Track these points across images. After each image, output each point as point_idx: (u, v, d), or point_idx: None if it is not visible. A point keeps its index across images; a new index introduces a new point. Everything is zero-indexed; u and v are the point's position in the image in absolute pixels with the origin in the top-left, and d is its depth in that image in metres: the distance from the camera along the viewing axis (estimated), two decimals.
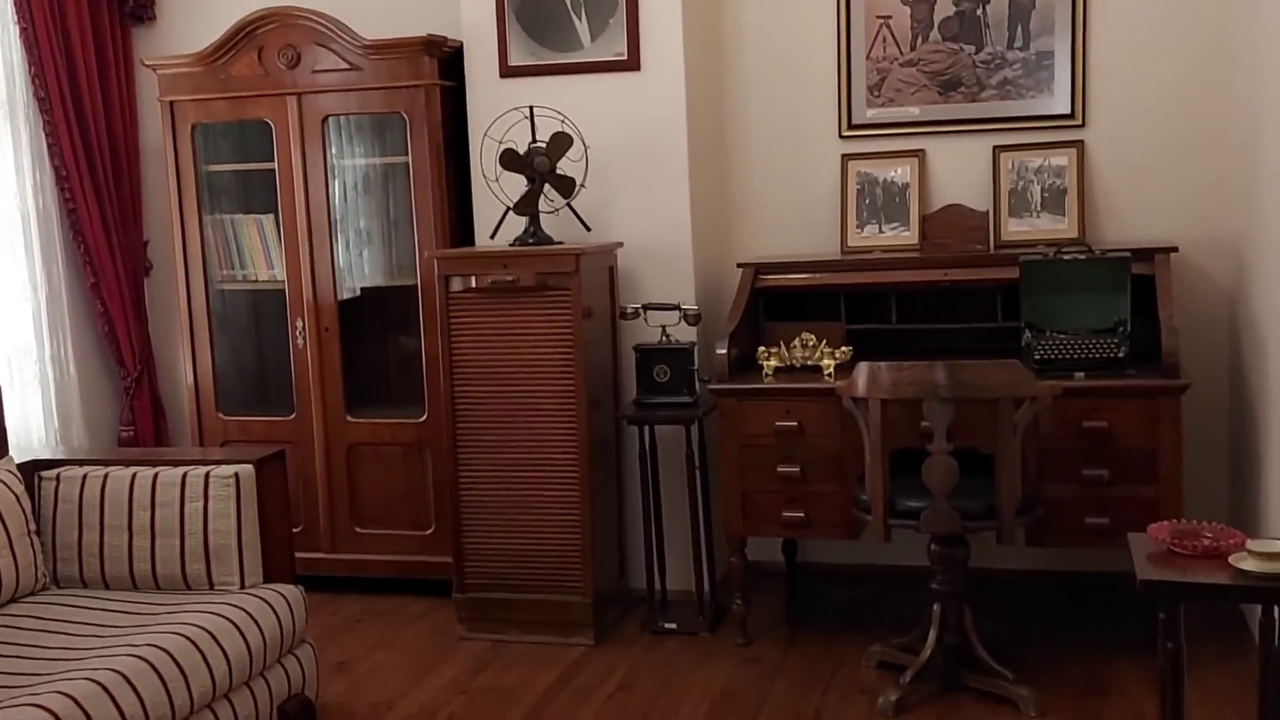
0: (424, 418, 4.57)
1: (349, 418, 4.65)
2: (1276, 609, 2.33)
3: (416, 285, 4.56)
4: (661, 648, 4.10)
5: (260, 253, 4.77)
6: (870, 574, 4.60)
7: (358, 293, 4.75)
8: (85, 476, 3.52)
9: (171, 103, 4.66)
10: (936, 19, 4.40)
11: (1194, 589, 2.35)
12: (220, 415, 4.79)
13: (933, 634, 3.59)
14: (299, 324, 4.65)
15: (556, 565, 4.13)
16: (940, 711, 3.51)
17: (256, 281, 4.80)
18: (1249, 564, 2.29)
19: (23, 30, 4.57)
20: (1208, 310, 4.22)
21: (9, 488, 3.41)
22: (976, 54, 4.37)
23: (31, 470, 3.57)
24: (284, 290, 4.68)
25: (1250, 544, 2.33)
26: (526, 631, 4.16)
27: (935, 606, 3.61)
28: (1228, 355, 4.21)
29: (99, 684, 2.76)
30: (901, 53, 4.44)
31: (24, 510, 3.43)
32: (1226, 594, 2.31)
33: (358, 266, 4.78)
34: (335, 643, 4.17)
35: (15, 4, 4.54)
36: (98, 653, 2.94)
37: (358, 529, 4.68)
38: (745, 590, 4.08)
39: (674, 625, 4.22)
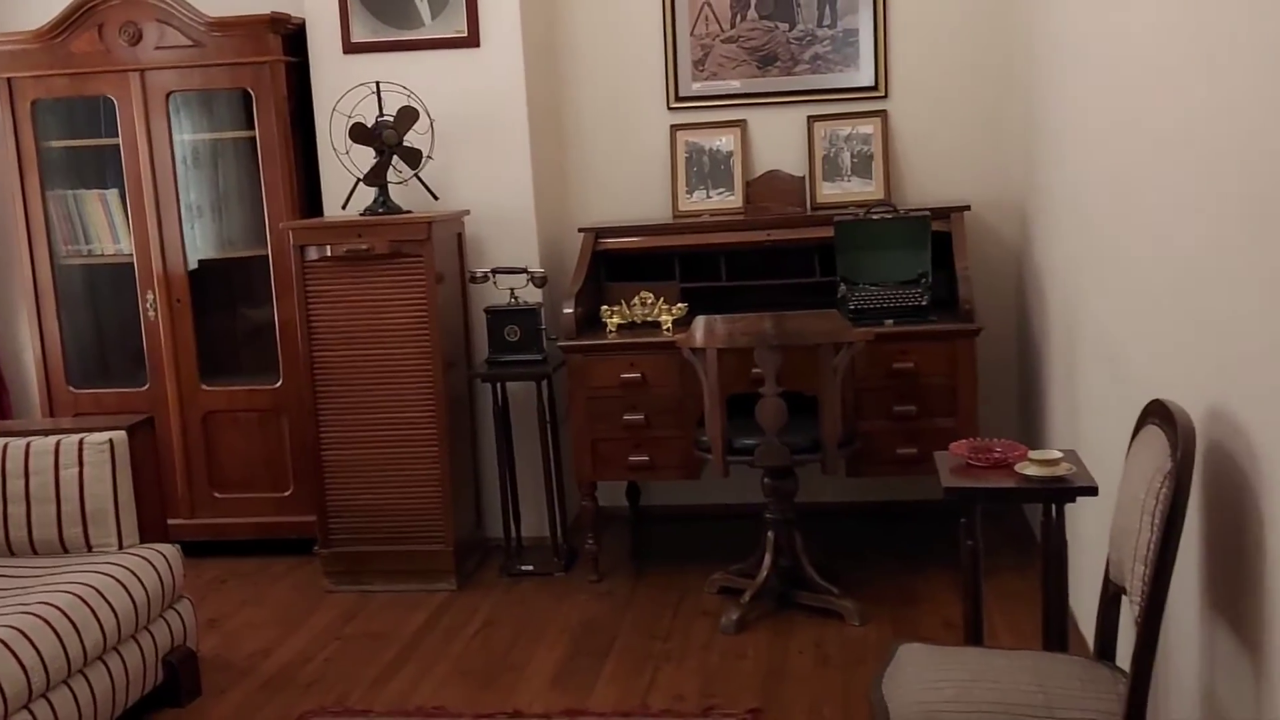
0: (279, 384, 4.73)
1: (204, 386, 4.78)
2: (1054, 508, 2.77)
3: (266, 255, 4.70)
4: (520, 589, 4.40)
5: (105, 227, 4.83)
6: (707, 513, 4.99)
7: (206, 265, 4.86)
8: None
9: (9, 79, 4.66)
10: None
11: (988, 493, 2.78)
12: (70, 389, 4.84)
13: (768, 558, 4.00)
14: (149, 296, 4.74)
15: (418, 517, 4.38)
16: (776, 626, 3.91)
17: (103, 256, 4.86)
18: (1031, 470, 2.73)
19: None
20: (997, 262, 4.73)
21: None
22: (790, 31, 4.76)
23: None
24: (132, 263, 4.76)
25: (1032, 454, 2.78)
26: (392, 581, 4.40)
27: (769, 534, 4.01)
28: (1015, 301, 4.74)
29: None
30: (722, 30, 4.80)
31: None
32: (1014, 496, 2.74)
33: (204, 239, 4.89)
34: (204, 603, 4.31)
35: None
36: None
37: (216, 494, 4.82)
38: (596, 532, 4.41)
39: (531, 567, 4.53)
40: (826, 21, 4.73)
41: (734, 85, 4.81)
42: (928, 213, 4.35)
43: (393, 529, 4.39)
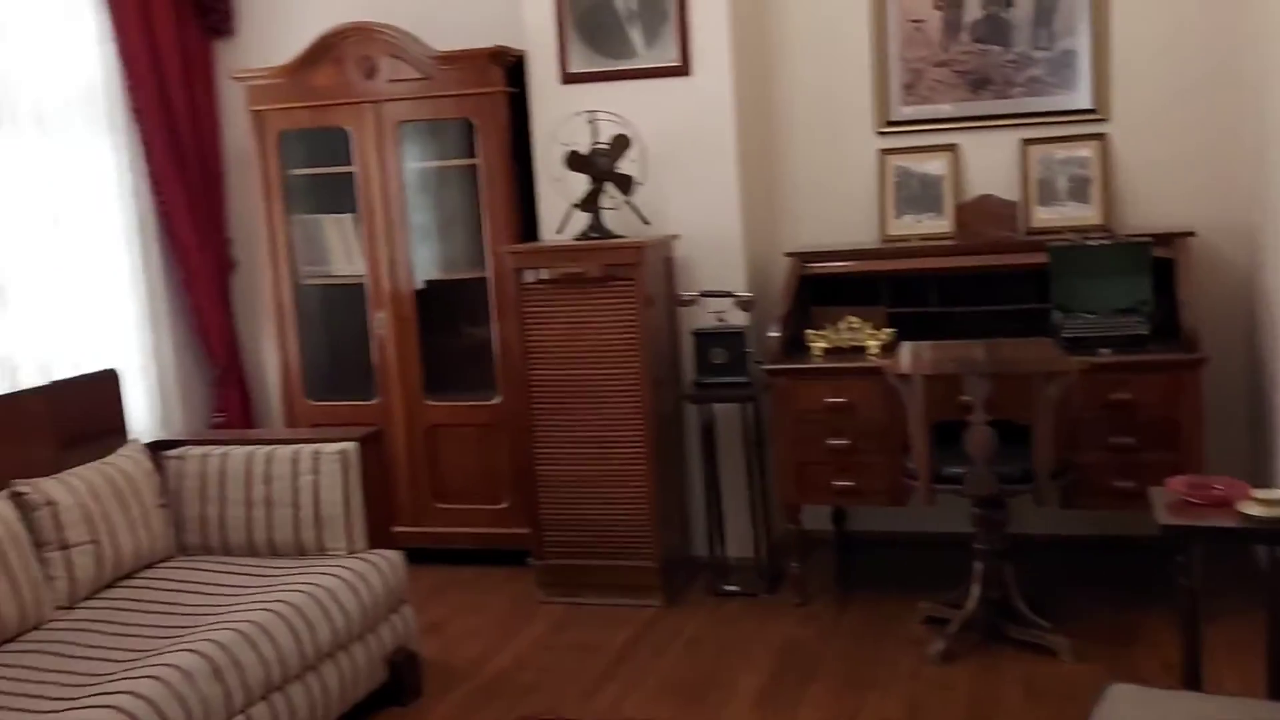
0: (498, 400, 4.93)
1: (428, 401, 5.03)
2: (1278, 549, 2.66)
3: (486, 278, 4.92)
4: (725, 608, 4.47)
5: (341, 250, 5.15)
6: (912, 540, 4.94)
7: (431, 285, 5.11)
8: (206, 455, 3.90)
9: (258, 112, 5.03)
10: (966, 21, 4.72)
11: (1206, 532, 2.69)
12: (308, 401, 5.18)
13: (976, 589, 3.94)
14: (379, 315, 5.03)
15: (626, 534, 4.49)
16: (983, 659, 3.86)
17: (338, 276, 5.18)
18: (1254, 510, 2.62)
19: (117, 48, 4.93)
20: (1225, 290, 4.53)
21: (140, 465, 3.80)
22: (1005, 54, 4.69)
23: (156, 450, 3.95)
24: (363, 284, 5.06)
25: (1255, 492, 2.67)
26: (602, 594, 4.53)
27: (977, 564, 3.95)
28: (1245, 331, 4.53)
29: (242, 634, 3.15)
30: (934, 54, 4.77)
31: (153, 486, 3.82)
32: (1234, 536, 2.64)
33: (430, 261, 5.15)
34: (425, 608, 4.52)
35: (107, 22, 4.90)
36: (233, 609, 3.32)
37: (438, 504, 5.06)
38: (801, 555, 4.44)
39: (736, 587, 4.59)
40: (1043, 43, 4.64)
41: (945, 109, 4.78)
42: (1149, 238, 4.21)
43: (603, 544, 4.52)
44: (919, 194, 4.80)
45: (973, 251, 4.51)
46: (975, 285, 4.55)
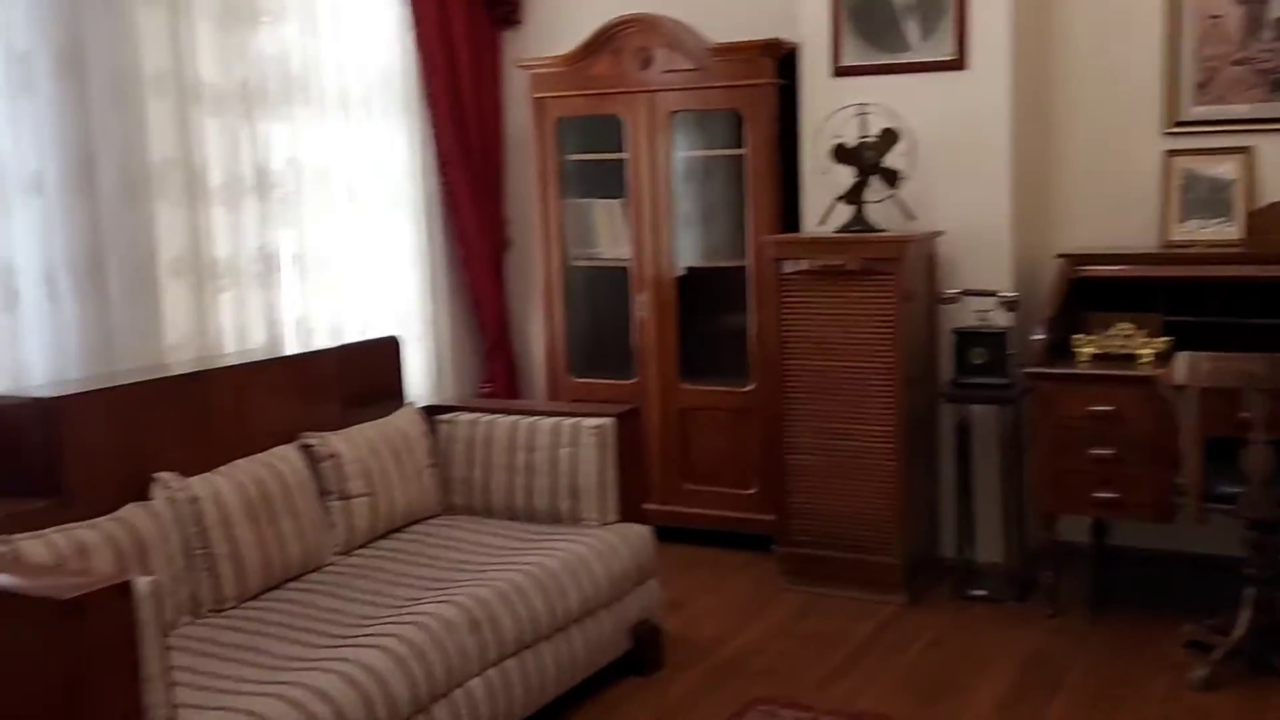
0: (750, 387, 4.99)
1: (682, 384, 5.14)
2: None
3: (745, 266, 4.99)
4: (970, 612, 4.38)
5: (609, 234, 5.32)
6: (1179, 560, 4.69)
7: (690, 272, 5.22)
8: (475, 421, 4.13)
9: (540, 99, 5.26)
10: (1269, 18, 4.44)
11: None
12: (570, 377, 5.39)
13: (1245, 615, 3.73)
14: (641, 298, 5.17)
15: (872, 528, 4.47)
16: (1250, 690, 3.64)
17: (604, 259, 5.36)
18: None
19: (415, 36, 5.26)
20: None
21: (415, 426, 4.07)
22: None
23: (430, 414, 4.21)
24: (628, 268, 5.21)
25: None
26: (844, 587, 4.52)
27: (1249, 590, 3.74)
28: None
29: (499, 591, 3.33)
30: (1232, 51, 4.50)
31: (426, 447, 4.08)
32: None
33: (691, 248, 5.26)
34: (668, 584, 4.62)
35: (412, 13, 5.23)
36: (492, 567, 3.51)
37: (686, 484, 5.17)
38: (1055, 565, 4.30)
39: (983, 593, 4.49)
40: None
41: (1241, 110, 4.50)
42: None
43: (847, 536, 4.51)
44: (1207, 198, 4.54)
45: (1265, 260, 4.24)
46: (1264, 296, 4.28)
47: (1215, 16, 4.52)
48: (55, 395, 3.13)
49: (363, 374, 4.10)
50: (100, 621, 2.30)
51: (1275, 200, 4.43)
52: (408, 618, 3.11)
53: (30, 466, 3.05)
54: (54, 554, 2.81)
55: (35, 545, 2.80)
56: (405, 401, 4.26)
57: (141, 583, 2.40)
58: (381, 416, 4.02)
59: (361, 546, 3.75)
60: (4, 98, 3.48)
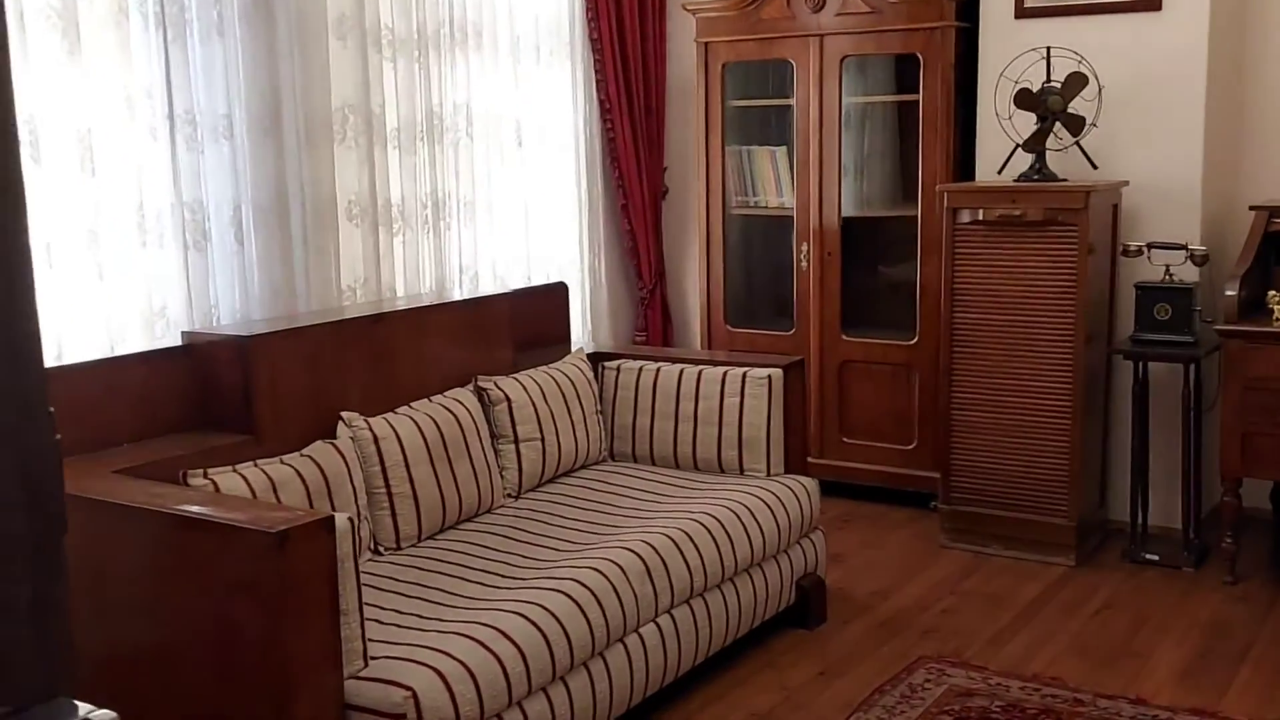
0: (914, 340, 4.89)
1: (844, 336, 5.06)
2: None
3: (915, 216, 4.86)
4: (1142, 577, 4.24)
5: (771, 181, 5.24)
6: None
7: (854, 221, 5.11)
8: (641, 369, 4.12)
9: (706, 43, 5.19)
10: None
11: None
12: (727, 327, 5.34)
13: None
14: (804, 248, 5.09)
15: (1041, 488, 4.35)
16: None
17: (766, 208, 5.28)
18: None
19: None
20: None
21: (582, 373, 4.08)
22: None
23: (595, 360, 4.22)
24: (791, 216, 5.13)
25: None
26: (1008, 547, 4.42)
27: None
28: None
29: (671, 539, 3.32)
30: None
31: (593, 393, 4.09)
32: None
33: (855, 197, 5.14)
34: (828, 538, 4.59)
35: None
36: (662, 514, 3.51)
37: (845, 439, 5.10)
38: (1236, 531, 4.13)
39: (1156, 557, 4.34)
40: None
41: None
42: None
43: (1014, 496, 4.40)
44: None
45: None
46: None
47: None
48: (249, 335, 3.21)
49: (533, 319, 4.13)
50: (303, 555, 2.36)
51: None
52: (584, 562, 3.13)
53: (225, 403, 3.14)
54: (248, 489, 2.89)
55: (231, 479, 2.89)
56: (572, 348, 4.27)
57: (341, 518, 2.46)
58: (550, 362, 4.04)
59: (531, 490, 3.79)
60: (197, 42, 3.55)
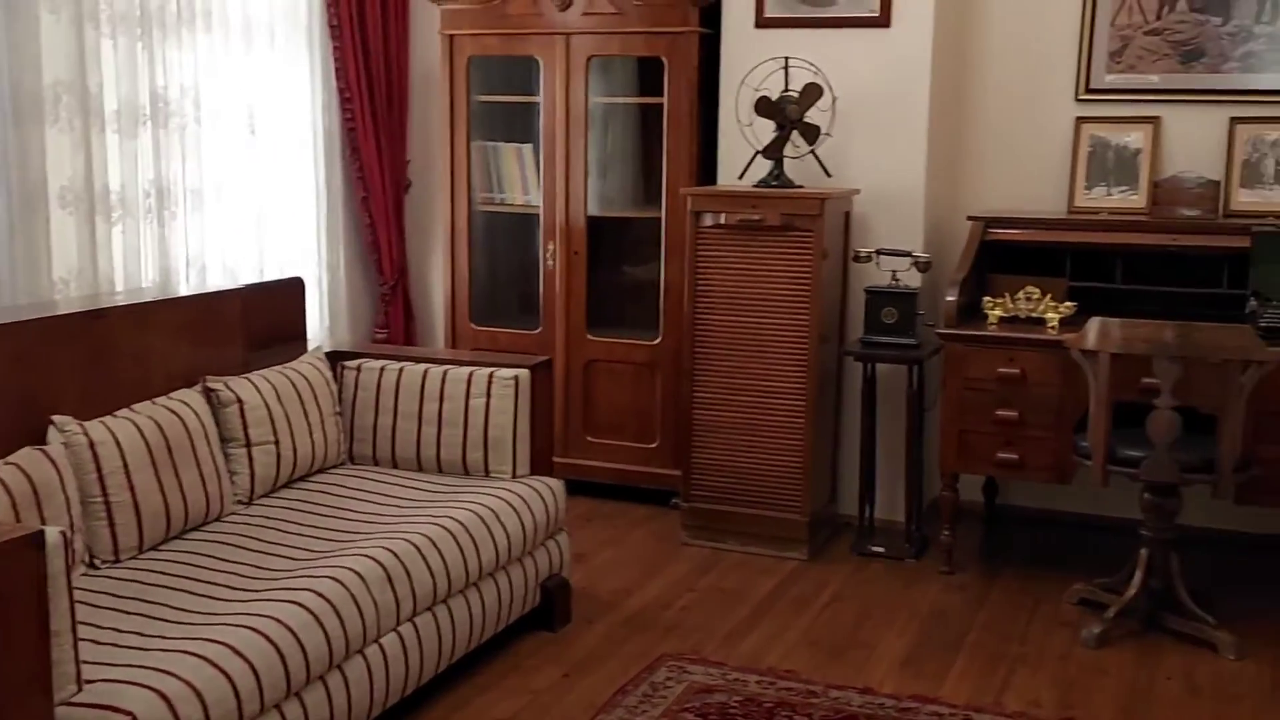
0: (658, 340, 4.95)
1: (589, 335, 5.07)
2: None
3: (660, 218, 4.92)
4: (869, 569, 4.44)
5: (518, 179, 5.20)
6: (1068, 520, 4.84)
7: (601, 221, 5.13)
8: (383, 368, 3.99)
9: (451, 36, 5.09)
10: None
11: None
12: (471, 325, 5.27)
13: (1139, 576, 3.84)
14: (550, 246, 5.07)
15: (776, 484, 4.48)
16: (1141, 648, 3.77)
17: (513, 205, 5.23)
18: None
19: None
20: None
21: (320, 373, 3.92)
22: (1222, 25, 4.48)
23: (334, 360, 4.07)
24: (537, 215, 5.10)
25: None
26: (745, 543, 4.54)
27: (1143, 551, 3.85)
28: None
29: (413, 545, 3.24)
30: (1146, 21, 4.57)
31: (331, 394, 3.93)
32: None
33: (603, 197, 5.17)
34: (571, 538, 4.60)
35: None
36: (403, 519, 3.42)
37: (589, 438, 5.12)
38: (952, 524, 4.38)
39: (881, 549, 4.55)
40: (1265, 17, 4.41)
41: (1152, 80, 4.59)
42: None
43: (751, 492, 4.52)
44: (1114, 166, 4.63)
45: (1167, 230, 4.34)
46: (1166, 265, 4.39)
47: None
48: None
49: (266, 316, 3.93)
50: (8, 573, 2.15)
51: (1179, 171, 4.53)
52: (321, 571, 3.00)
53: None
54: None
55: None
56: (308, 346, 4.10)
57: (52, 532, 2.25)
58: (285, 361, 3.87)
59: (264, 496, 3.61)
60: None
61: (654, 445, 5.01)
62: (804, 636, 3.85)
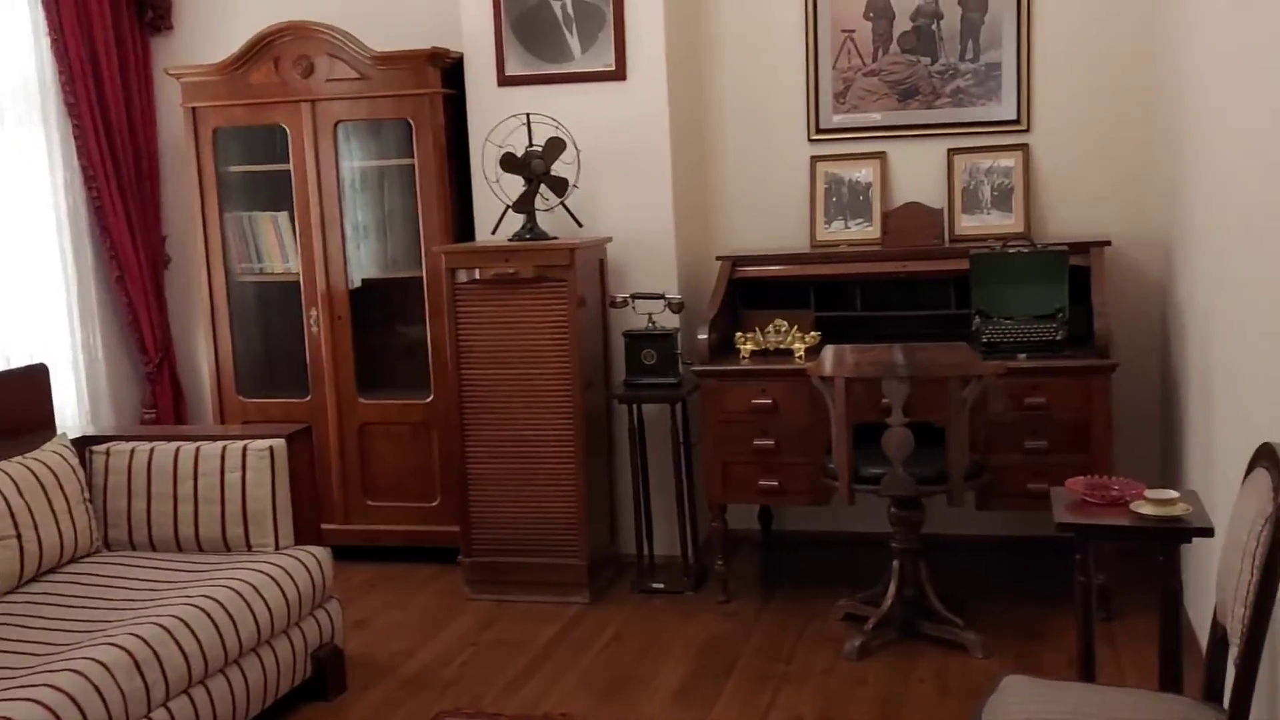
0: (430, 399, 4.97)
1: (360, 399, 5.06)
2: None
3: (420, 277, 4.96)
4: (650, 605, 4.53)
5: (276, 247, 5.16)
6: (837, 539, 5.04)
7: (368, 284, 5.14)
8: (133, 450, 3.90)
9: (194, 108, 5.04)
10: (896, 33, 4.83)
11: (1099, 530, 2.80)
12: (240, 398, 5.18)
13: (892, 587, 4.04)
14: (313, 313, 5.05)
15: (555, 531, 4.55)
16: (898, 655, 3.95)
17: (273, 274, 5.19)
18: (1146, 509, 2.73)
19: (53, 41, 4.90)
20: (1140, 299, 4.66)
21: (65, 460, 3.80)
22: (932, 65, 4.80)
23: (83, 445, 3.95)
24: (298, 282, 5.07)
25: (1149, 493, 2.78)
26: (529, 591, 4.58)
27: (894, 563, 4.05)
28: (1158, 338, 4.67)
29: (163, 628, 3.17)
30: (864, 64, 4.87)
31: (79, 480, 3.82)
32: (1126, 534, 2.75)
33: (364, 260, 5.18)
34: (352, 604, 4.55)
35: (46, 17, 4.89)
36: (156, 603, 3.34)
37: (369, 501, 5.09)
38: (725, 553, 4.51)
39: (661, 585, 4.66)
40: (969, 56, 4.75)
41: (875, 118, 4.88)
42: (1066, 247, 4.33)
43: (530, 541, 4.57)
44: (848, 201, 4.89)
45: (898, 258, 4.61)
46: (900, 290, 4.66)
47: (848, 31, 4.87)
48: None
49: (7, 406, 3.80)
50: None
51: (907, 201, 4.82)
52: (62, 665, 2.91)
53: None
54: None
55: None
56: (57, 434, 3.98)
57: None
58: (27, 451, 3.74)
59: (8, 593, 3.47)
60: None
61: (435, 503, 5.02)
62: (582, 678, 3.91)
